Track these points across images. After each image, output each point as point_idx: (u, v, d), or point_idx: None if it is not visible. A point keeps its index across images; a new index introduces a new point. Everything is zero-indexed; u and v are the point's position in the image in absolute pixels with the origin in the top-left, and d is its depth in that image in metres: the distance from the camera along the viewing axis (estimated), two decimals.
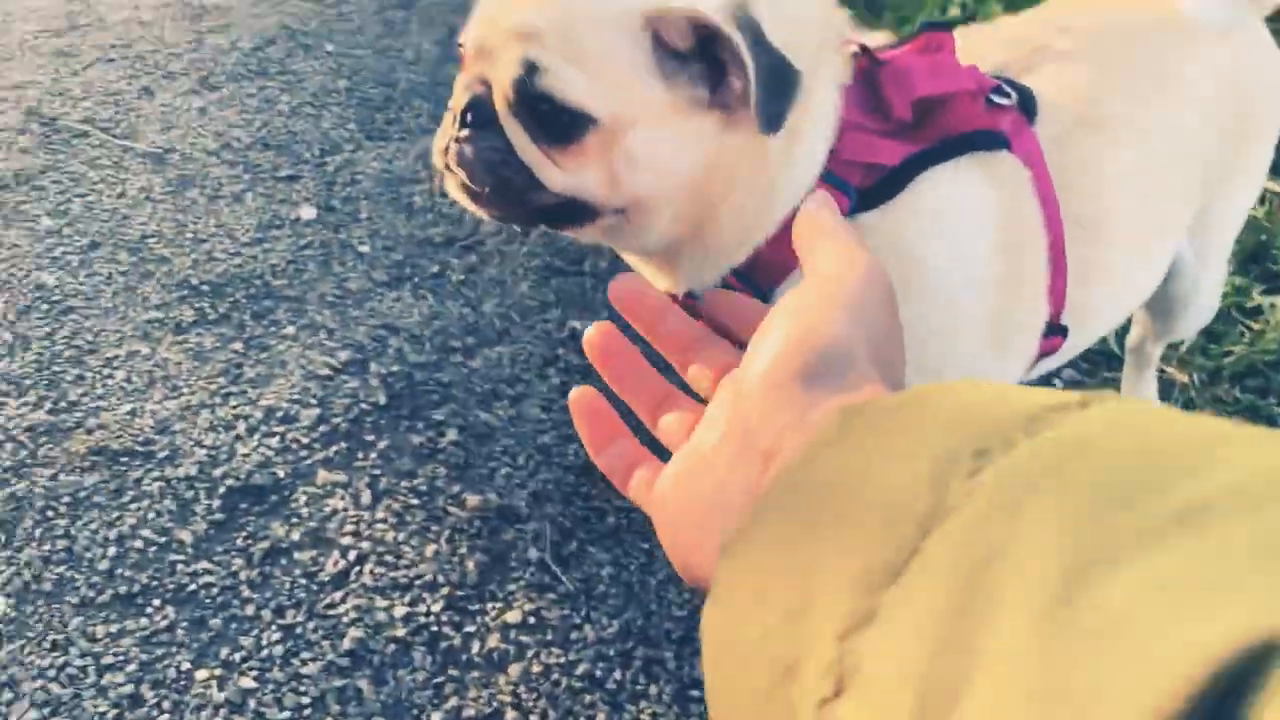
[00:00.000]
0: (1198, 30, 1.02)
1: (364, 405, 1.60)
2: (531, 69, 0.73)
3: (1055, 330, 0.95)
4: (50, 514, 1.41)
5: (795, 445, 0.32)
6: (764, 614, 0.27)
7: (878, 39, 0.89)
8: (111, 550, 1.36)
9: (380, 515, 1.41)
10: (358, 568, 1.34)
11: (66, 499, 1.43)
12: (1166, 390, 1.57)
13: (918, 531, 0.23)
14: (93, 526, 1.39)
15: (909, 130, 0.83)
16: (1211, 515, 0.19)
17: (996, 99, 0.86)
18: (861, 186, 0.82)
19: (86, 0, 3.08)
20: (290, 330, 1.75)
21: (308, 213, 2.06)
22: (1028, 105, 0.90)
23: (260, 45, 2.81)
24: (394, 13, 3.02)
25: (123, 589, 1.31)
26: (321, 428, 1.56)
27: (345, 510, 1.42)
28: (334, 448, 1.52)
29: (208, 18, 2.99)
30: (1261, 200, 1.73)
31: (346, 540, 1.38)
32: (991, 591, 0.21)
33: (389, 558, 1.35)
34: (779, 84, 0.70)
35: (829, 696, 0.24)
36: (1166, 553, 0.19)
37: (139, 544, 1.37)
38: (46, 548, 1.36)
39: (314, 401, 1.60)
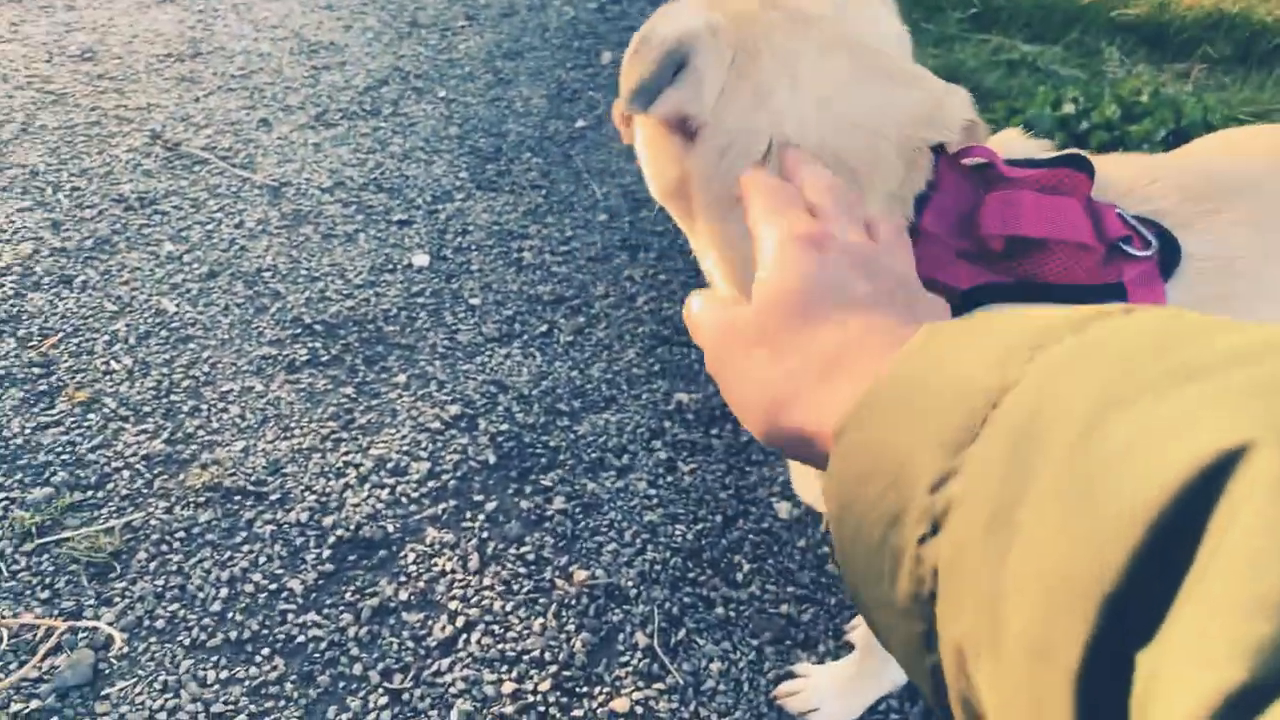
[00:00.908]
0: None
1: (473, 463, 1.60)
2: None
3: None
4: (165, 548, 1.42)
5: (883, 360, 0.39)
6: (872, 484, 0.33)
7: (1026, 146, 0.83)
8: (224, 592, 1.36)
9: (488, 582, 1.40)
10: (465, 635, 1.33)
11: (180, 534, 1.44)
12: None
13: (987, 404, 0.29)
14: (205, 565, 1.40)
15: (995, 259, 0.74)
16: (1209, 370, 0.25)
17: (1129, 249, 0.77)
18: None
19: (209, 27, 3.19)
20: (401, 379, 1.77)
21: (420, 259, 2.09)
22: (1170, 260, 0.79)
23: (374, 85, 2.88)
24: (503, 62, 3.09)
25: (233, 634, 1.31)
26: (430, 483, 1.56)
27: (453, 573, 1.41)
28: (442, 505, 1.52)
29: (323, 53, 3.07)
30: None
31: (454, 605, 1.37)
32: (1040, 434, 0.27)
33: (496, 628, 1.34)
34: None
35: (926, 534, 0.30)
36: (1168, 397, 0.25)
37: (250, 588, 1.37)
38: (160, 583, 1.37)
39: (424, 455, 1.61)
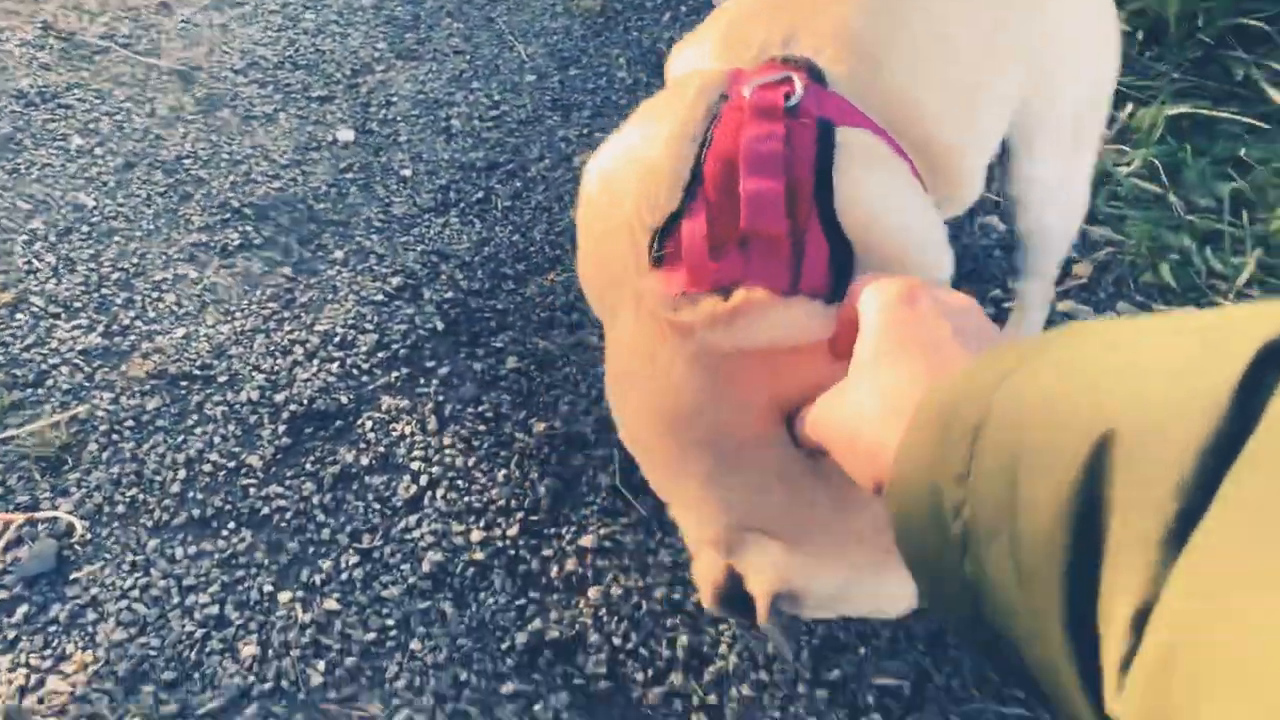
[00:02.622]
0: None
1: (421, 331, 1.59)
2: None
3: None
4: (115, 438, 1.40)
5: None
6: (915, 519, 0.41)
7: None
8: (181, 473, 1.36)
9: (448, 441, 1.41)
10: (430, 492, 1.34)
11: (130, 423, 1.42)
12: None
13: (971, 438, 0.37)
14: (160, 450, 1.39)
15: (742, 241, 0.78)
16: (1097, 366, 0.34)
17: (791, 102, 0.80)
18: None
19: None
20: (339, 255, 1.73)
21: (345, 135, 2.02)
22: (817, 73, 0.86)
23: None
24: None
25: (196, 512, 1.31)
26: (380, 354, 1.54)
27: (413, 435, 1.42)
28: (394, 373, 1.51)
29: None
30: None
31: (416, 465, 1.38)
32: (1006, 463, 0.35)
33: (461, 483, 1.36)
34: None
35: (960, 556, 0.38)
36: (1066, 409, 0.33)
37: (208, 468, 1.37)
38: (115, 470, 1.36)
39: (370, 327, 1.59)
